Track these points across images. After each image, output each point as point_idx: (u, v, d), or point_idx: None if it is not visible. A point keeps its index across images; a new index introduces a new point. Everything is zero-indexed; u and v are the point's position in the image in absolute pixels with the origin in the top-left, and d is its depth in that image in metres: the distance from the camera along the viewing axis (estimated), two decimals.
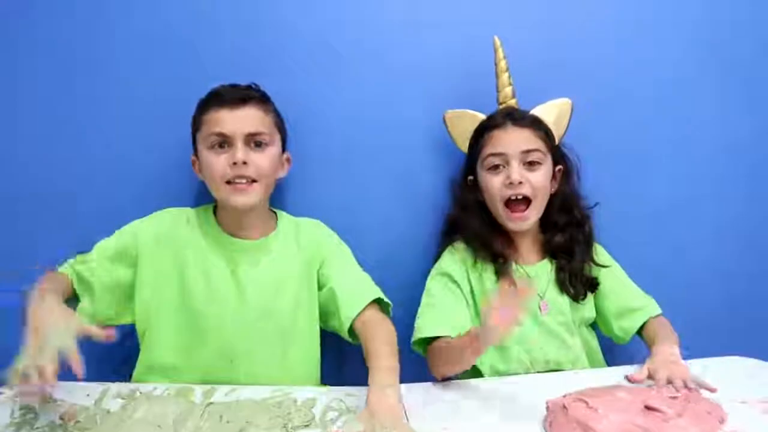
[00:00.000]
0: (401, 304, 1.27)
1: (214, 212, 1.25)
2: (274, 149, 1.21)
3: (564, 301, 1.27)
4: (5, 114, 1.33)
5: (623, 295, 1.29)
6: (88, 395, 1.02)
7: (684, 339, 1.20)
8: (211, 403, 0.99)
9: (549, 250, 1.31)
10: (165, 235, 1.21)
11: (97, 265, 1.15)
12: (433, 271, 1.29)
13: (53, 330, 0.90)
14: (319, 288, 1.24)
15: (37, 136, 1.34)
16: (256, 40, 1.36)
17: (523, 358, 1.23)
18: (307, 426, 0.93)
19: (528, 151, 1.21)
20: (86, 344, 1.01)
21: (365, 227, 1.38)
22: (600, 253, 1.32)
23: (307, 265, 1.24)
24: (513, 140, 1.22)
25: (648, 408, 0.90)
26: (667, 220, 1.48)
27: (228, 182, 1.16)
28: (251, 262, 1.21)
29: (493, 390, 1.09)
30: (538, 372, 1.21)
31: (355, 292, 1.19)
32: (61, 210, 1.34)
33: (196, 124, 1.20)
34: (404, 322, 1.23)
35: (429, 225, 1.40)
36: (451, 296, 1.24)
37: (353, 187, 1.41)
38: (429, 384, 1.12)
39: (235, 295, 1.18)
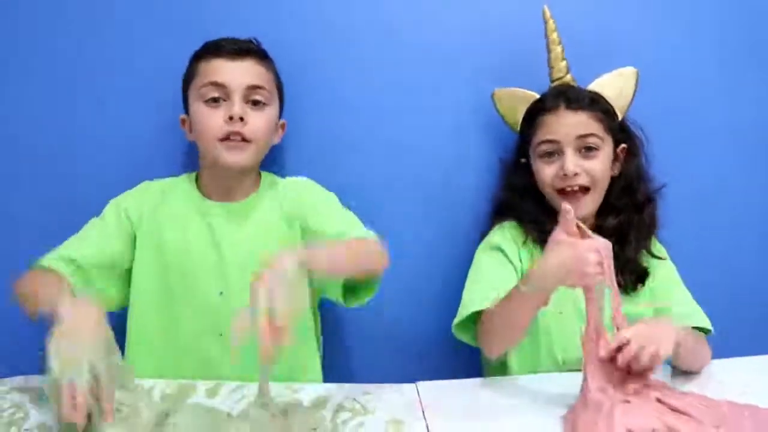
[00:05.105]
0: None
1: (196, 179, 1.14)
2: (273, 111, 1.10)
3: None
4: None
5: (666, 296, 1.12)
6: None
7: (740, 334, 1.10)
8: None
9: (602, 236, 1.16)
10: (147, 211, 1.10)
11: (91, 244, 1.04)
12: (483, 245, 1.16)
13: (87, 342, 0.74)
14: None
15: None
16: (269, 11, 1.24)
17: (558, 356, 1.09)
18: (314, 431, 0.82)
19: (584, 136, 1.08)
20: None
21: (400, 223, 1.27)
22: (657, 245, 1.17)
23: (290, 228, 1.10)
24: (566, 125, 1.09)
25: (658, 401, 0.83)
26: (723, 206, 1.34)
27: (221, 140, 1.04)
28: (231, 226, 1.09)
29: (517, 388, 0.98)
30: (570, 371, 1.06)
31: (343, 234, 1.03)
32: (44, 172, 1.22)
33: (189, 75, 1.09)
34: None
35: (470, 219, 1.28)
36: (503, 269, 1.11)
37: (382, 178, 1.28)
38: (448, 381, 1.02)
39: (216, 264, 1.06)
